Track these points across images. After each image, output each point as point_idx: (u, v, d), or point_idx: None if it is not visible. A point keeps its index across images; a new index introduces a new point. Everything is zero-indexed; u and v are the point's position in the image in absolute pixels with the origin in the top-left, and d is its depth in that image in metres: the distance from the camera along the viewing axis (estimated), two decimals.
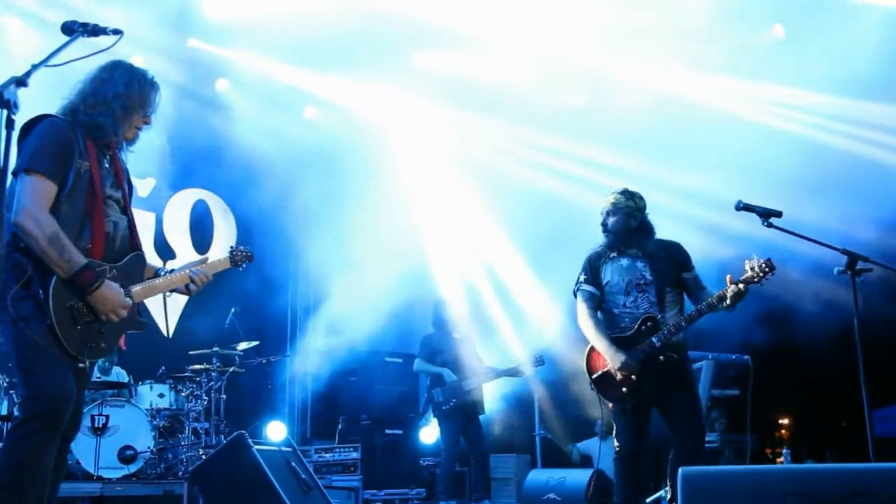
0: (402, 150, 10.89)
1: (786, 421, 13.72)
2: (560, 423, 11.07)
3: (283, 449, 5.70)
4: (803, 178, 8.75)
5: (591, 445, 11.01)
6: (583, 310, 5.44)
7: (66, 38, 3.46)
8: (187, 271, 4.17)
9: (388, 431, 9.58)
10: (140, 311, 3.97)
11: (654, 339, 5.19)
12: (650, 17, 9.14)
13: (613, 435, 5.39)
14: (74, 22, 3.54)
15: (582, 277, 5.50)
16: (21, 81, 3.07)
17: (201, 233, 11.16)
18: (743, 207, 5.14)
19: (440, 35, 9.68)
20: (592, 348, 5.40)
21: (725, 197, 5.29)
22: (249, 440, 5.27)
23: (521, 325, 10.76)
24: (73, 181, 3.66)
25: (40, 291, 3.51)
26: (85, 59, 3.66)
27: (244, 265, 4.64)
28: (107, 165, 3.88)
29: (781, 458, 10.45)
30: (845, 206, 8.81)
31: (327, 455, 9.05)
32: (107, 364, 8.38)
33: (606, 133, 9.92)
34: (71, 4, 8.14)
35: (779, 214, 5.06)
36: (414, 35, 9.56)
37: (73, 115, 3.79)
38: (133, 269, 3.90)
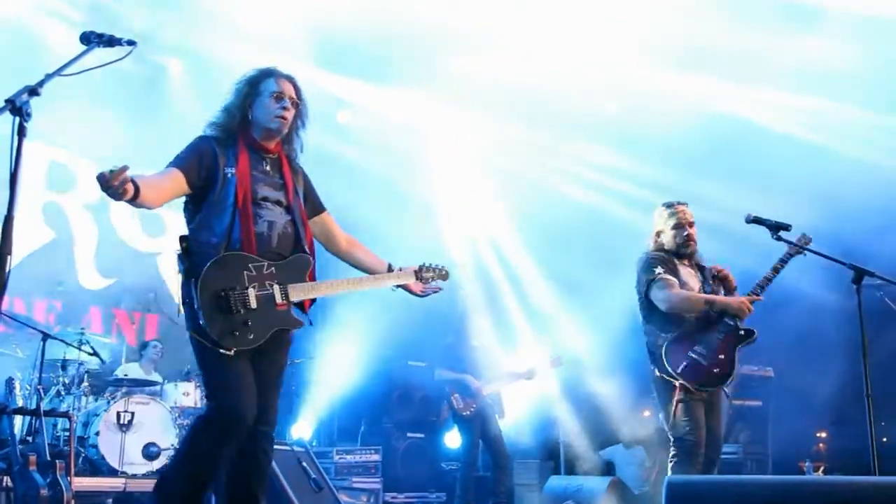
0: (431, 154, 10.95)
1: (823, 435, 13.57)
2: (583, 429, 11.07)
3: (296, 449, 5.79)
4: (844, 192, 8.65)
5: (613, 452, 11.00)
6: (671, 289, 5.33)
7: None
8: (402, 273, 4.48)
9: (409, 434, 9.67)
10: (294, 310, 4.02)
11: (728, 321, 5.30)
12: (683, 25, 9.07)
13: (681, 434, 5.19)
14: (91, 32, 3.66)
15: (659, 270, 5.38)
16: (34, 90, 3.19)
17: None
18: (753, 220, 5.11)
19: (474, 40, 9.70)
20: (671, 341, 5.29)
21: (749, 209, 5.23)
22: None
23: (544, 331, 10.76)
24: (219, 185, 3.87)
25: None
26: (99, 69, 3.79)
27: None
28: (267, 168, 4.05)
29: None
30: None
31: (348, 457, 9.15)
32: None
33: (638, 142, 9.91)
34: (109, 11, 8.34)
35: (788, 228, 5.04)
36: (448, 40, 9.59)
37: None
38: (295, 269, 4.00)
